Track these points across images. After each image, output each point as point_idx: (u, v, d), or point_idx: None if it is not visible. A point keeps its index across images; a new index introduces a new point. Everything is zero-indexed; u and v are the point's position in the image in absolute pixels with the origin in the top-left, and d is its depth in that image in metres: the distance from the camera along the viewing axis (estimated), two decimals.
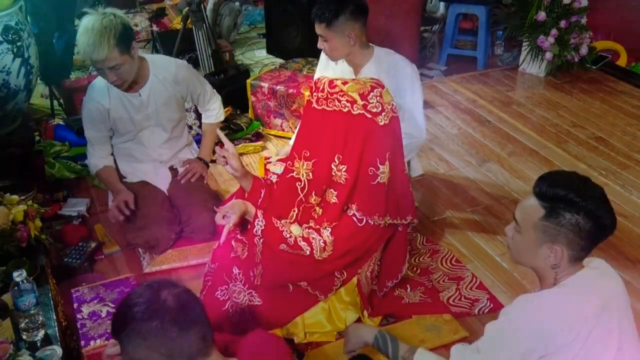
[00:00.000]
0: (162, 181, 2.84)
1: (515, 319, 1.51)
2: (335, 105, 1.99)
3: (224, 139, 2.19)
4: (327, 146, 2.02)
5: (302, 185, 2.08)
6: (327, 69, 2.83)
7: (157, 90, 2.69)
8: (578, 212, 1.45)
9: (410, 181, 2.25)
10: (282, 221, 2.09)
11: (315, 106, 2.03)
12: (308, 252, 2.05)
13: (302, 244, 2.05)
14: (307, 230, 2.07)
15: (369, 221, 2.08)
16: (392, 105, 2.07)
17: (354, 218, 2.08)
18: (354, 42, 2.57)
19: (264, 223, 2.05)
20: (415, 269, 2.60)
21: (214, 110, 2.97)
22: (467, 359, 1.58)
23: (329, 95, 2.00)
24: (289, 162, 2.11)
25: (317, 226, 2.08)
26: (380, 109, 2.01)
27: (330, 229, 2.07)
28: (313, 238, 2.05)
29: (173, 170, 2.91)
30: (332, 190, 2.06)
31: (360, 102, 1.99)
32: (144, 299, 1.27)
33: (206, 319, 1.33)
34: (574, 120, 3.95)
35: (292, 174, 2.09)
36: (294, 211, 2.11)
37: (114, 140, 2.81)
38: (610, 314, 1.49)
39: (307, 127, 2.08)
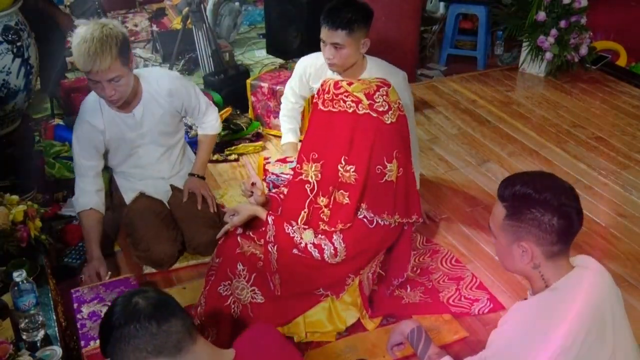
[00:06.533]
0: (162, 195, 2.73)
1: (514, 328, 1.51)
2: (340, 106, 2.02)
3: (254, 177, 2.21)
4: (334, 147, 2.04)
5: (311, 186, 2.10)
6: (309, 81, 2.73)
7: (151, 107, 2.53)
8: (533, 205, 1.44)
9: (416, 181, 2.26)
10: (294, 227, 2.10)
11: (322, 108, 2.05)
12: (319, 258, 2.08)
13: (313, 250, 2.07)
14: (319, 236, 2.09)
15: (379, 221, 2.09)
16: (399, 103, 2.08)
17: (365, 220, 2.10)
18: (364, 50, 2.49)
19: (274, 229, 2.09)
20: (415, 269, 2.60)
21: (210, 122, 2.79)
22: None
23: (334, 97, 2.03)
24: (298, 165, 2.13)
25: (332, 228, 2.09)
26: (386, 107, 2.03)
27: (342, 235, 2.08)
28: (325, 244, 2.07)
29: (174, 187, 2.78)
30: (342, 191, 2.07)
31: (366, 102, 2.00)
32: (118, 307, 1.33)
33: (181, 308, 1.37)
34: (574, 120, 3.95)
35: (301, 177, 2.11)
36: (304, 212, 2.13)
37: (111, 162, 2.66)
38: (604, 312, 1.48)
39: (315, 129, 2.10)
